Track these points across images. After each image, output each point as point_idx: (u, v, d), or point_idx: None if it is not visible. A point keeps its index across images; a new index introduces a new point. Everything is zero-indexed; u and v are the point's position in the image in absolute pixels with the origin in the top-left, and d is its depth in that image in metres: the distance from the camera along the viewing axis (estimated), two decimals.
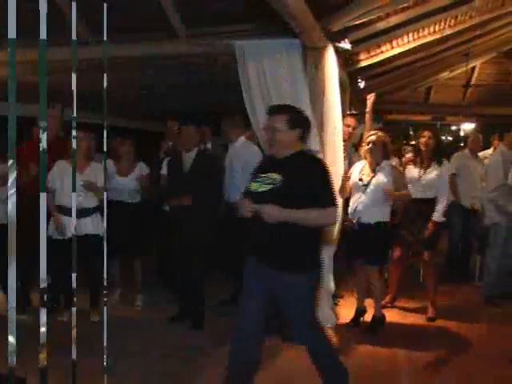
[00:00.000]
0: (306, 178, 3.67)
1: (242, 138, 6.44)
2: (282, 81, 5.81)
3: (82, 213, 5.88)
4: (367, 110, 7.15)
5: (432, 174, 6.33)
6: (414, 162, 6.50)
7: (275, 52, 5.81)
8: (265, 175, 3.79)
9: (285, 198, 3.62)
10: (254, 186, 3.82)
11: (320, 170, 3.80)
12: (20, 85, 7.04)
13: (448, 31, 8.21)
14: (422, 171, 6.37)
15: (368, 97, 7.25)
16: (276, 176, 3.70)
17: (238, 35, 6.00)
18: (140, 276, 6.91)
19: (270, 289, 3.82)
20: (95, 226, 5.99)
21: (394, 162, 6.95)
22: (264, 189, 3.73)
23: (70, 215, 5.77)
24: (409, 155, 6.54)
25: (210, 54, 6.30)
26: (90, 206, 5.95)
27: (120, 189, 6.53)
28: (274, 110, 3.88)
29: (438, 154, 6.43)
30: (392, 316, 6.23)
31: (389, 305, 6.68)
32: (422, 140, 6.42)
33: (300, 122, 3.85)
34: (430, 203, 6.32)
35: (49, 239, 5.86)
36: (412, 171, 6.44)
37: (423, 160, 6.42)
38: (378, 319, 5.88)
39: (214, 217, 5.97)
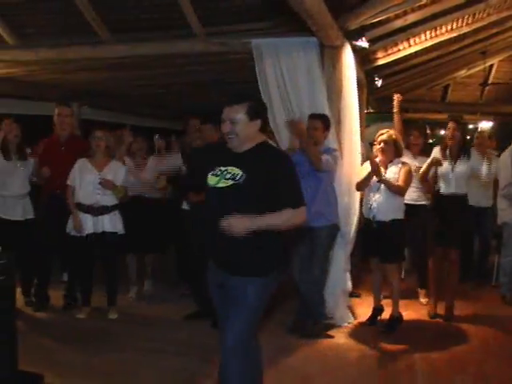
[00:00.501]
0: (272, 174, 3.33)
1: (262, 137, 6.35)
2: (299, 79, 5.82)
3: (101, 210, 5.94)
4: (395, 110, 6.99)
5: (462, 166, 6.15)
6: (439, 162, 6.14)
7: (292, 50, 5.82)
8: (225, 168, 3.43)
9: (248, 196, 3.33)
10: (213, 181, 3.46)
11: (285, 165, 3.47)
12: (40, 84, 7.13)
13: (465, 29, 8.17)
14: (453, 164, 6.15)
15: (395, 97, 7.10)
16: (238, 171, 3.37)
17: (254, 33, 6.01)
18: (150, 268, 7.12)
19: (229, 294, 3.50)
20: (113, 223, 6.02)
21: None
22: (224, 184, 3.40)
23: (88, 212, 5.90)
24: (436, 154, 6.25)
25: (226, 53, 6.31)
26: (109, 204, 5.98)
27: (136, 184, 6.62)
28: (233, 100, 3.45)
29: (466, 145, 6.24)
30: (409, 315, 6.20)
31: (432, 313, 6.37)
32: (448, 133, 6.22)
33: (260, 111, 3.52)
34: (462, 200, 6.23)
35: (67, 236, 6.00)
36: (442, 167, 6.20)
37: (452, 153, 6.20)
38: (396, 318, 5.85)
39: None
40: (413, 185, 6.42)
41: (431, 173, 6.26)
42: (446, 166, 6.18)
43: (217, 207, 3.41)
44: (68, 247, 6.18)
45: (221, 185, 3.40)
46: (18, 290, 5.74)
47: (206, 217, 3.53)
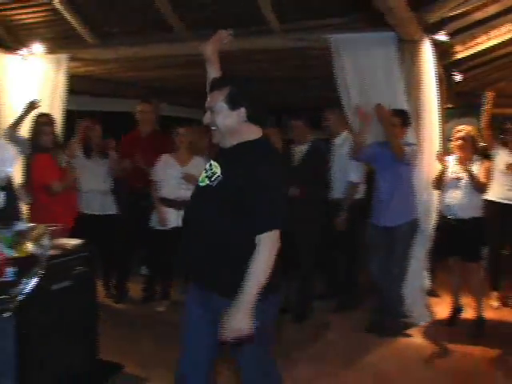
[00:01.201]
0: (247, 183, 2.69)
1: (345, 133, 6.36)
2: (377, 75, 5.75)
3: (184, 204, 6.01)
4: (485, 108, 6.78)
5: None
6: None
7: (371, 46, 5.75)
8: (211, 163, 2.94)
9: (217, 204, 2.79)
10: (201, 177, 2.96)
11: (264, 172, 2.71)
12: (117, 81, 7.24)
13: None
14: None
15: (487, 94, 6.88)
16: (217, 171, 2.84)
17: (332, 29, 5.97)
18: None
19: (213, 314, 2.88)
20: None
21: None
22: (202, 183, 2.90)
23: (172, 207, 5.99)
24: None
25: (304, 48, 6.30)
26: None
27: None
28: (213, 85, 2.91)
29: None
30: (487, 315, 6.00)
31: None
32: None
33: (245, 97, 2.83)
34: None
35: (151, 230, 6.12)
36: None
37: None
38: (480, 319, 5.68)
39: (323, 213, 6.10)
40: (508, 183, 6.30)
41: None
42: None
43: (192, 207, 3.02)
44: (150, 241, 6.32)
45: (202, 184, 2.92)
46: (99, 283, 5.88)
47: (184, 216, 3.06)
